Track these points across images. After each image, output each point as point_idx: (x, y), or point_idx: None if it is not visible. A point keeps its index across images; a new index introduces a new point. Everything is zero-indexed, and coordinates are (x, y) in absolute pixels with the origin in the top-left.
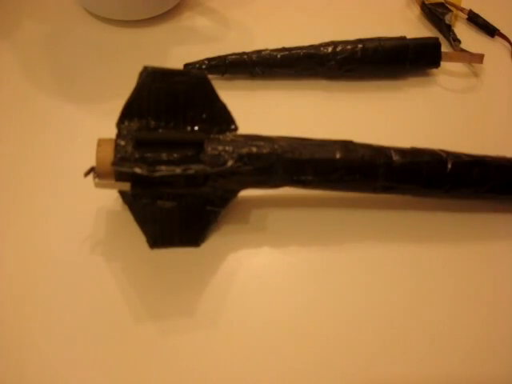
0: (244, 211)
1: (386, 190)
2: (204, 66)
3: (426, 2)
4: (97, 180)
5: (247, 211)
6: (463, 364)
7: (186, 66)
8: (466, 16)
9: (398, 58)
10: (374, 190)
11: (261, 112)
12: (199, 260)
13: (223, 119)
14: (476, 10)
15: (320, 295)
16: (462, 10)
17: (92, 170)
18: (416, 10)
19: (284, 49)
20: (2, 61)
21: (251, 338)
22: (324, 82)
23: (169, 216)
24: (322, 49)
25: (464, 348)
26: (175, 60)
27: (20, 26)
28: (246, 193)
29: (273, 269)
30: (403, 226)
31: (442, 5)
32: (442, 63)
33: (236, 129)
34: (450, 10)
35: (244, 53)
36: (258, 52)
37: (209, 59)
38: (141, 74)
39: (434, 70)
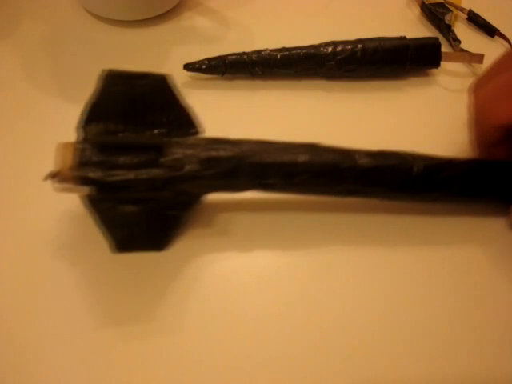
0: (210, 215)
1: (352, 193)
2: (204, 66)
3: (426, 2)
4: (56, 184)
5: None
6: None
7: (186, 65)
8: (466, 16)
9: (398, 58)
10: (340, 194)
11: (261, 112)
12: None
13: (185, 122)
14: (476, 10)
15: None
16: (461, 9)
17: (52, 174)
18: (416, 10)
19: (284, 49)
20: (1, 61)
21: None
22: (324, 82)
23: (131, 220)
24: (321, 49)
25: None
26: (175, 60)
27: (20, 26)
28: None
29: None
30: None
31: (442, 5)
32: (442, 63)
33: (198, 132)
34: (450, 10)
35: (244, 53)
36: (258, 52)
37: (209, 59)
38: (100, 77)
39: (434, 70)
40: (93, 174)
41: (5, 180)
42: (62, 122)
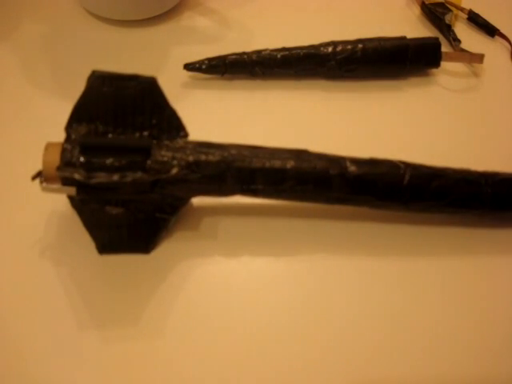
0: (198, 219)
1: (341, 201)
2: (204, 66)
3: (426, 2)
4: (44, 184)
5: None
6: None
7: (186, 65)
8: (466, 16)
9: (398, 58)
10: (329, 201)
11: (261, 112)
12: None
13: (173, 125)
14: (476, 10)
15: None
16: (462, 9)
17: (39, 173)
18: (416, 10)
19: (284, 49)
20: (1, 61)
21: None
22: (324, 82)
23: (117, 222)
24: (322, 49)
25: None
26: (175, 60)
27: (20, 26)
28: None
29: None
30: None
31: (442, 5)
32: (442, 63)
33: (186, 135)
34: (450, 10)
35: (244, 53)
36: (258, 52)
37: (209, 59)
38: (89, 78)
39: (434, 70)
40: (77, 175)
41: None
42: (62, 122)
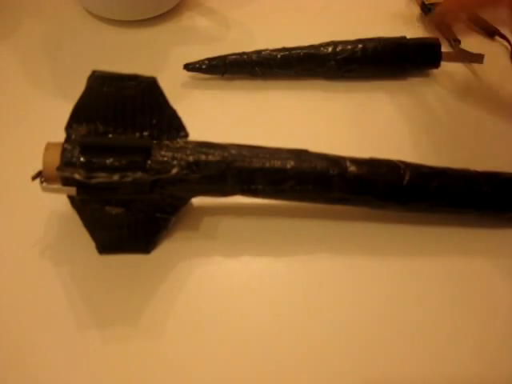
0: (198, 219)
1: (341, 201)
2: (204, 66)
3: (426, 2)
4: (44, 184)
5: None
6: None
7: (186, 65)
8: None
9: (398, 58)
10: (328, 201)
11: (261, 112)
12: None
13: (173, 125)
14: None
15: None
16: None
17: (39, 174)
18: (416, 10)
19: (284, 49)
20: (2, 61)
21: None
22: (324, 83)
23: (117, 222)
24: (321, 49)
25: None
26: (175, 60)
27: (20, 26)
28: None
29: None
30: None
31: None
32: (442, 63)
33: (186, 135)
34: None
35: (244, 53)
36: (258, 52)
37: (209, 59)
38: (89, 79)
39: (434, 70)
40: (77, 175)
41: (2, 179)
42: (62, 122)
